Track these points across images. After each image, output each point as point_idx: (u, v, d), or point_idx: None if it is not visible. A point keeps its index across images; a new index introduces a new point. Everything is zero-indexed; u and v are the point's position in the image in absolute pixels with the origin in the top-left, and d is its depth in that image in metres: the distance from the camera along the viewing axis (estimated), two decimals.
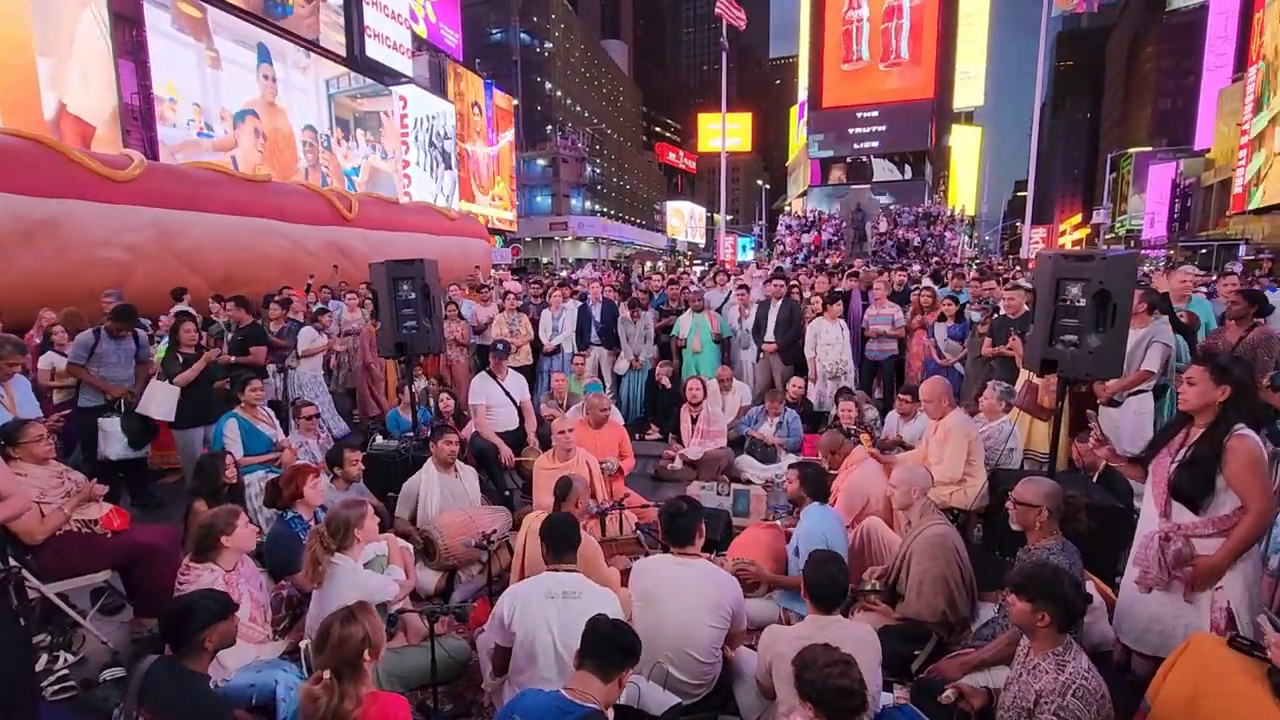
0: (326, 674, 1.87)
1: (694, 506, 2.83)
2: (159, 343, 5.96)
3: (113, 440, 4.74)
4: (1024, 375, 4.85)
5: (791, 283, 8.42)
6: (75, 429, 4.98)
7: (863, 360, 7.08)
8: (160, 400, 4.79)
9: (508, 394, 5.51)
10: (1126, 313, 3.20)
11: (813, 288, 8.45)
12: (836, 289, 8.05)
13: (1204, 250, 31.72)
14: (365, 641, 1.94)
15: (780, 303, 6.95)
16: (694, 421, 5.75)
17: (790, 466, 3.60)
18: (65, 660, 3.03)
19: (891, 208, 30.07)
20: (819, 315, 6.75)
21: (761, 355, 7.05)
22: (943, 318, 6.50)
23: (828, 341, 6.49)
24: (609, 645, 1.95)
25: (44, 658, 2.97)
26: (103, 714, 2.68)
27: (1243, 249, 27.94)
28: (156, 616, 3.08)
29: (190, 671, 2.12)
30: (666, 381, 6.90)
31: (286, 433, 4.85)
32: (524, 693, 2.06)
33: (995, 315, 5.96)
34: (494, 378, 5.50)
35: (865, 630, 2.36)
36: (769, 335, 6.91)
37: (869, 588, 3.21)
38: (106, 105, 15.08)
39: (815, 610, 2.36)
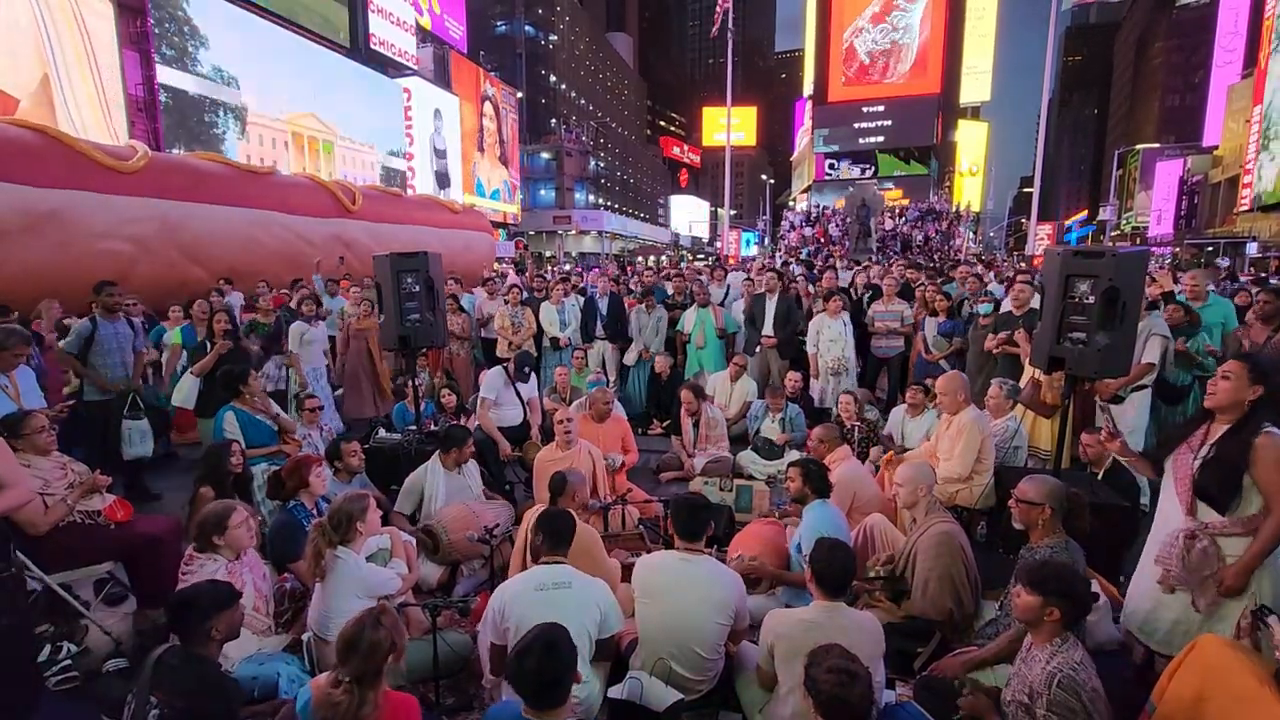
0: (346, 679, 1.86)
1: (707, 503, 2.82)
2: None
3: (147, 440, 4.96)
4: (1029, 372, 4.83)
5: (792, 280, 8.41)
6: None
7: (869, 357, 7.05)
8: (184, 390, 5.38)
9: (517, 392, 5.50)
10: (1136, 311, 3.18)
11: (818, 281, 8.41)
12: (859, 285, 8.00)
13: (1210, 248, 31.55)
14: (391, 649, 1.94)
15: (776, 297, 6.92)
16: (696, 427, 5.72)
17: (791, 464, 3.59)
18: (68, 651, 3.03)
19: (895, 205, 29.94)
20: (822, 311, 6.71)
21: (759, 349, 7.01)
22: (934, 313, 6.47)
23: (830, 338, 6.46)
24: (551, 686, 1.85)
25: (47, 648, 2.98)
26: (106, 704, 2.68)
27: (1252, 247, 27.75)
28: (159, 608, 3.09)
29: (200, 656, 2.12)
30: (665, 370, 6.89)
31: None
32: (492, 709, 2.07)
33: (997, 307, 5.95)
34: (506, 374, 5.49)
35: (869, 620, 2.36)
36: (767, 329, 6.89)
37: (874, 574, 3.20)
38: (33, 78, 14.37)
39: (822, 596, 2.35)
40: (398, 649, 1.96)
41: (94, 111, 15.37)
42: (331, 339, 7.17)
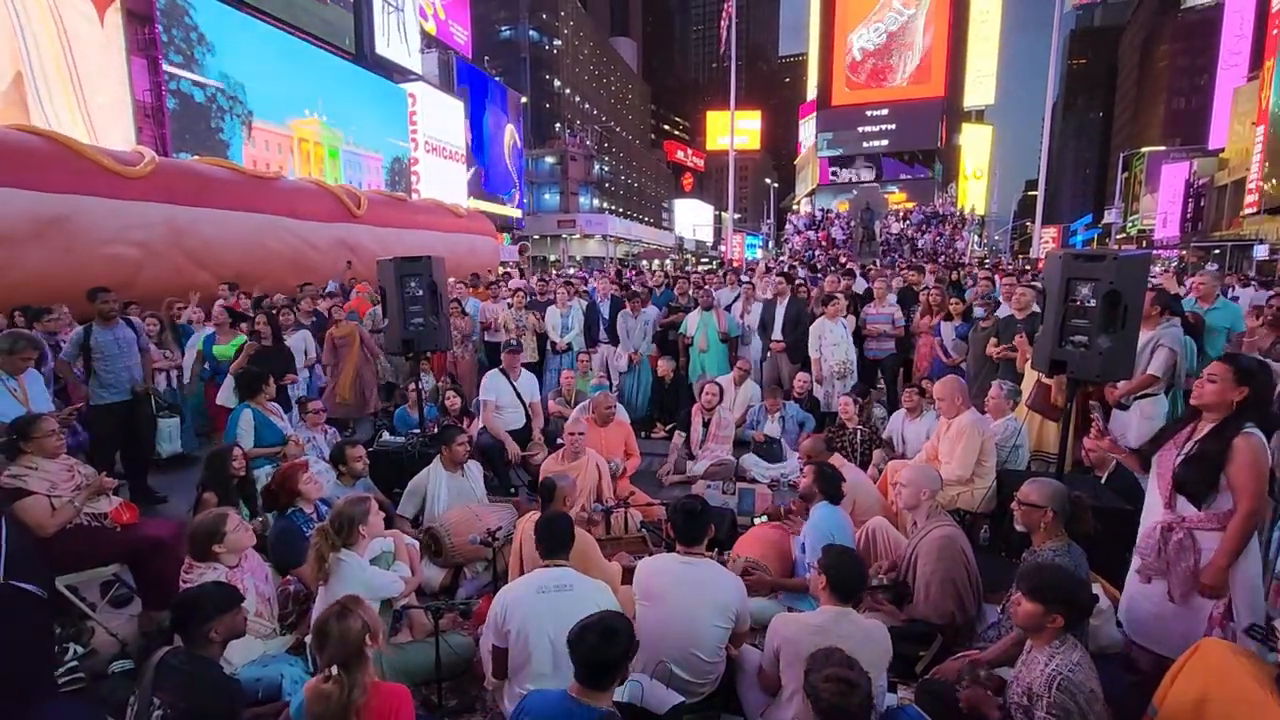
0: (334, 669, 1.91)
1: (706, 507, 2.83)
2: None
3: (175, 439, 5.11)
4: (1029, 375, 4.82)
5: (797, 282, 8.41)
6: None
7: (862, 359, 7.04)
8: (227, 390, 5.45)
9: (518, 394, 5.51)
10: (1138, 314, 3.17)
11: (820, 285, 8.41)
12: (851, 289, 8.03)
13: (1217, 250, 31.43)
14: (365, 630, 1.99)
15: (787, 301, 6.93)
16: (706, 425, 5.71)
17: (806, 463, 3.60)
18: (75, 652, 3.06)
19: (900, 209, 29.96)
20: (821, 315, 6.71)
21: (769, 354, 7.02)
22: (949, 317, 6.46)
23: (833, 341, 6.44)
24: (601, 666, 1.91)
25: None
26: (112, 705, 2.70)
27: (1260, 250, 27.61)
28: (164, 609, 3.11)
29: (201, 656, 2.14)
30: (668, 373, 6.89)
31: None
32: (529, 695, 2.08)
33: (996, 310, 5.93)
34: (506, 376, 5.50)
35: (876, 627, 2.35)
36: (776, 334, 6.89)
37: (877, 583, 3.20)
38: (4, 76, 14.00)
39: (833, 600, 2.36)
40: (373, 631, 2.01)
41: (70, 111, 15.15)
42: None
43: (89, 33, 15.58)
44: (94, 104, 15.60)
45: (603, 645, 1.90)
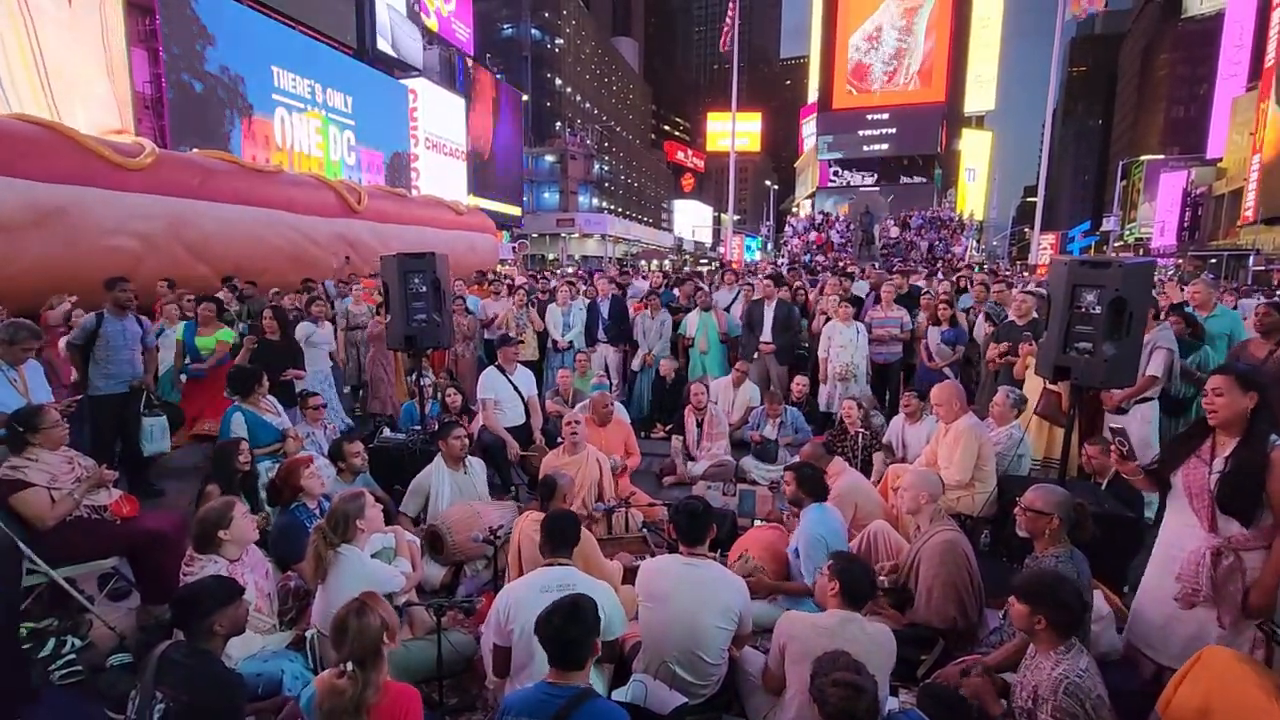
0: (349, 665, 1.90)
1: (709, 507, 2.83)
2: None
3: (166, 436, 4.94)
4: (1030, 381, 4.82)
5: (797, 285, 8.41)
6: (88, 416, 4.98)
7: (872, 364, 7.04)
8: None
9: (516, 389, 5.50)
10: (1143, 321, 3.19)
11: (821, 288, 8.42)
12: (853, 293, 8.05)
13: (1214, 260, 31.55)
14: (383, 628, 1.99)
15: (775, 303, 6.92)
16: (699, 425, 5.72)
17: (786, 469, 3.59)
18: (73, 645, 3.04)
19: (901, 213, 30.03)
20: (832, 318, 6.70)
21: (758, 355, 7.01)
22: (937, 321, 6.46)
23: (841, 344, 6.44)
24: (567, 645, 1.95)
25: (52, 642, 2.99)
26: (110, 699, 2.69)
27: (1252, 260, 27.74)
28: (164, 603, 3.10)
29: (203, 650, 2.13)
30: (670, 374, 6.90)
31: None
32: (509, 695, 2.10)
33: (1003, 321, 5.94)
34: (503, 372, 5.49)
35: (882, 632, 2.35)
36: (765, 335, 6.89)
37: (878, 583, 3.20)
38: None
39: (843, 605, 2.36)
40: (390, 629, 2.01)
41: (33, 92, 14.58)
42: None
43: (55, 13, 14.98)
44: (58, 85, 15.03)
45: (570, 624, 1.94)
